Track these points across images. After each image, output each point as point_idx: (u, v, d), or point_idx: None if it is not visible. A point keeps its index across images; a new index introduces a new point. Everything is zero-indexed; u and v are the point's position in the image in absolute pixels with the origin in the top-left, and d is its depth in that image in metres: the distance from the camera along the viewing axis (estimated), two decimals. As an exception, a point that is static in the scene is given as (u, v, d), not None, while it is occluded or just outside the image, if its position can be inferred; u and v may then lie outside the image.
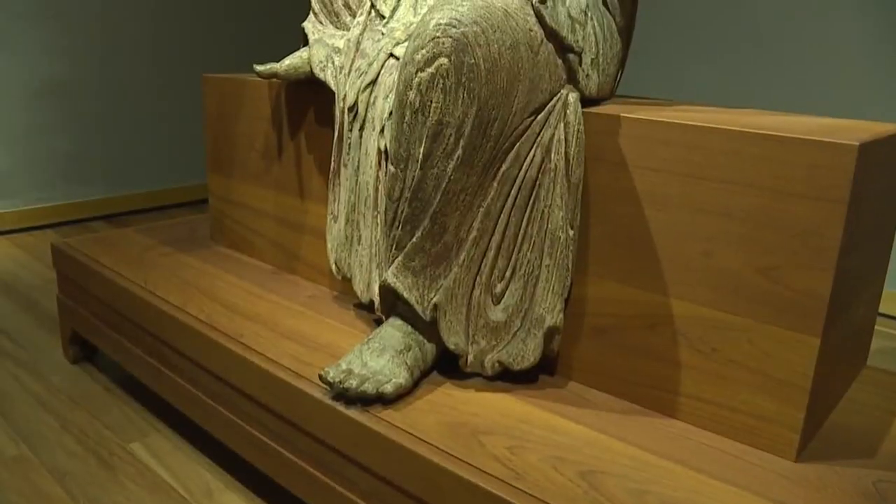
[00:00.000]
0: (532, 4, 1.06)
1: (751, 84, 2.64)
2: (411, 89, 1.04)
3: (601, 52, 1.20)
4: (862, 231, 1.02)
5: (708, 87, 2.74)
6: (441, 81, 1.02)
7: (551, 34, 1.07)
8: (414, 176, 1.08)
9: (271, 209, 1.69)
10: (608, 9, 1.28)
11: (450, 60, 1.00)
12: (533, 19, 1.06)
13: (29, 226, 3.07)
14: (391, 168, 1.11)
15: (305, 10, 3.55)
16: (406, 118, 1.06)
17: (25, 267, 2.62)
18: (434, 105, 1.03)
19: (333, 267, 1.42)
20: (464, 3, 1.03)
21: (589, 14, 1.17)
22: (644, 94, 2.90)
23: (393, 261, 1.16)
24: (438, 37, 1.01)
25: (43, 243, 2.92)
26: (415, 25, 1.33)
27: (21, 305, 2.28)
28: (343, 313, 1.46)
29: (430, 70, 1.02)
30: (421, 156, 1.06)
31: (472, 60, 1.00)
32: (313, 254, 1.61)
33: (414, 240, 1.12)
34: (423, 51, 1.02)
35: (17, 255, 2.76)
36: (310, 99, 1.54)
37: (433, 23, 1.02)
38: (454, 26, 1.00)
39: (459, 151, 1.05)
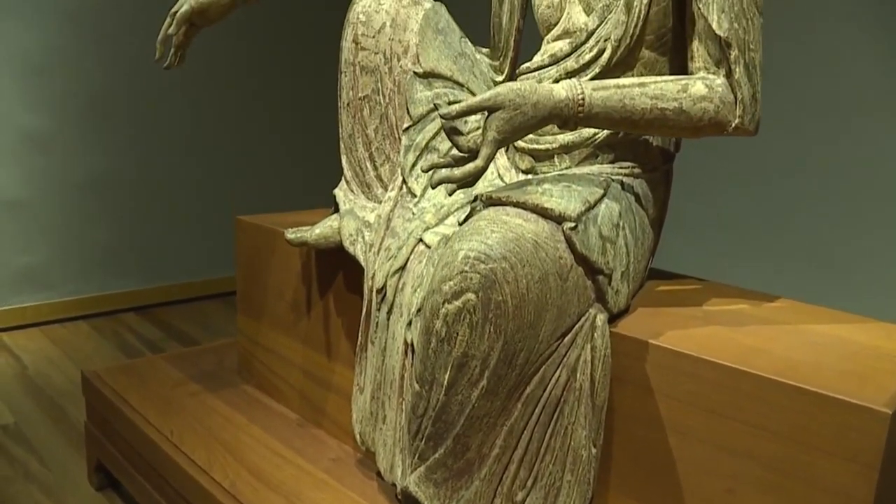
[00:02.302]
0: (563, 231, 1.06)
1: (784, 210, 2.63)
2: (438, 318, 1.05)
3: (632, 260, 1.20)
4: (894, 486, 1.00)
5: (743, 211, 2.73)
6: (468, 316, 1.02)
7: (581, 259, 1.08)
8: (438, 399, 1.08)
9: (299, 361, 1.70)
10: (641, 205, 1.28)
11: (477, 297, 1.01)
12: (563, 245, 1.06)
13: (63, 317, 3.12)
14: (416, 385, 1.12)
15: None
16: (432, 345, 1.07)
17: (57, 366, 2.66)
18: (460, 338, 1.03)
19: (358, 438, 1.42)
20: (494, 232, 1.03)
21: (621, 224, 1.18)
22: (676, 216, 2.89)
23: (415, 469, 1.16)
24: (466, 271, 1.01)
25: (76, 336, 2.96)
26: (445, 209, 1.34)
27: (50, 415, 2.30)
28: (366, 485, 1.45)
29: (458, 303, 1.02)
30: (445, 382, 1.06)
31: (500, 298, 1.01)
32: (339, 413, 1.61)
33: (436, 455, 1.12)
34: (451, 283, 1.03)
35: (49, 351, 2.80)
36: (340, 263, 1.55)
37: (462, 254, 1.02)
38: (482, 261, 1.01)
39: (484, 382, 1.05)
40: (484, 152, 1.08)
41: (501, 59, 1.52)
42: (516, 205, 1.08)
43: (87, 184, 3.13)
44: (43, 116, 2.99)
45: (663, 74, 1.31)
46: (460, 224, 1.21)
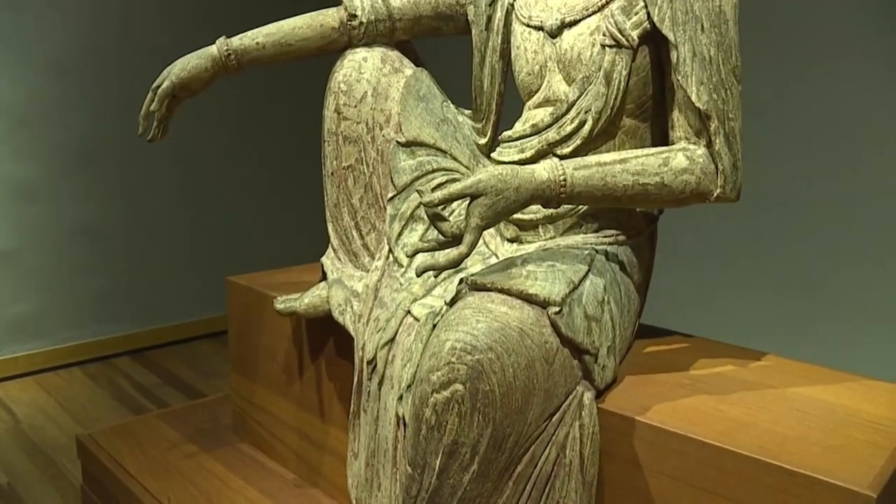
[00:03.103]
0: (548, 315, 1.08)
1: (773, 238, 2.65)
2: (427, 407, 1.06)
3: (618, 332, 1.21)
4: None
5: (734, 239, 2.75)
6: (456, 406, 1.03)
7: (567, 341, 1.09)
8: (430, 482, 1.09)
9: (293, 421, 1.71)
10: (626, 273, 1.29)
11: (465, 387, 1.02)
12: (549, 329, 1.08)
13: (57, 365, 3.12)
14: (408, 469, 1.13)
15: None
16: (422, 432, 1.08)
17: (52, 419, 2.66)
18: (449, 426, 1.04)
19: (354, 503, 1.43)
20: (479, 322, 1.04)
21: (606, 298, 1.19)
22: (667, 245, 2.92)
23: (411, 549, 1.17)
24: (454, 362, 1.02)
25: (70, 385, 2.96)
26: (431, 279, 1.35)
27: (46, 473, 2.30)
28: (363, 551, 1.46)
29: (446, 393, 1.03)
30: (437, 468, 1.07)
31: (487, 387, 1.02)
32: (334, 473, 1.62)
33: (431, 536, 1.13)
34: (439, 373, 1.04)
35: (44, 402, 2.80)
36: (330, 328, 1.56)
37: (448, 345, 1.03)
38: (469, 352, 1.02)
39: (475, 466, 1.06)
40: (468, 239, 1.09)
41: (484, 121, 1.53)
42: (501, 291, 1.10)
43: (76, 231, 3.14)
44: (30, 166, 3.00)
45: (645, 140, 1.32)
46: (447, 304, 1.22)
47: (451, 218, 1.37)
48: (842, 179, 2.50)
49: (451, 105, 1.53)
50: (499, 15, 1.46)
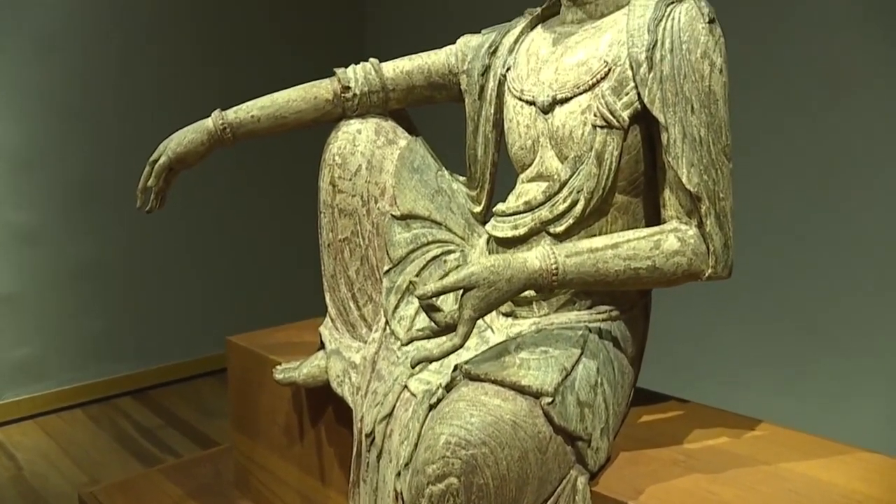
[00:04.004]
0: (541, 406, 1.09)
1: (770, 273, 2.67)
2: (423, 497, 1.07)
3: (611, 413, 1.23)
4: None
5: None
6: (451, 499, 1.05)
7: (560, 429, 1.11)
8: (429, 569, 1.11)
9: (294, 483, 1.72)
10: (620, 348, 1.31)
11: (460, 481, 1.04)
12: (542, 419, 1.09)
13: (59, 407, 3.14)
14: (411, 549, 1.14)
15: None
16: (420, 520, 1.09)
17: (55, 465, 2.67)
18: (445, 517, 1.06)
19: (356, 574, 1.45)
20: (473, 416, 1.06)
21: (599, 380, 1.20)
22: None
23: None
24: (448, 457, 1.04)
25: (72, 428, 2.97)
26: (427, 353, 1.37)
27: (51, 524, 2.32)
28: None
29: (441, 486, 1.05)
30: (436, 558, 1.09)
31: (482, 481, 1.04)
32: (335, 538, 1.63)
33: None
34: (434, 466, 1.05)
35: (46, 447, 2.81)
36: (330, 395, 1.57)
37: (443, 439, 1.05)
38: (463, 447, 1.04)
39: (472, 558, 1.07)
40: (461, 331, 1.11)
41: (478, 190, 1.54)
42: (495, 382, 1.11)
43: (77, 272, 3.16)
44: (31, 210, 3.03)
45: (637, 214, 1.34)
46: (443, 387, 1.23)
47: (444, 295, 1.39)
48: (839, 213, 2.52)
49: (446, 173, 1.55)
50: (491, 85, 1.48)
